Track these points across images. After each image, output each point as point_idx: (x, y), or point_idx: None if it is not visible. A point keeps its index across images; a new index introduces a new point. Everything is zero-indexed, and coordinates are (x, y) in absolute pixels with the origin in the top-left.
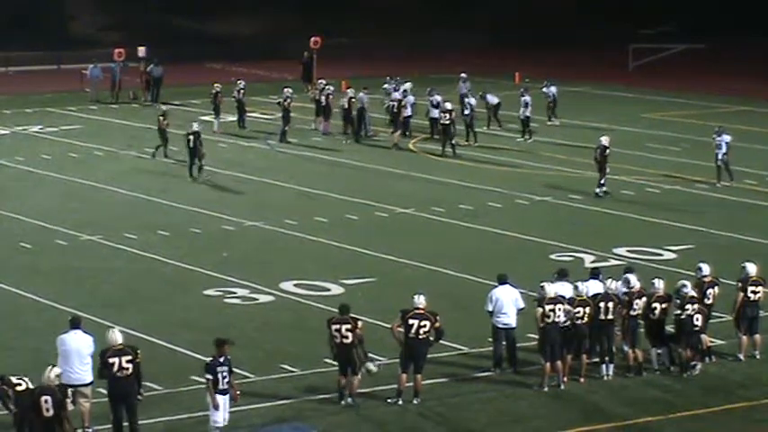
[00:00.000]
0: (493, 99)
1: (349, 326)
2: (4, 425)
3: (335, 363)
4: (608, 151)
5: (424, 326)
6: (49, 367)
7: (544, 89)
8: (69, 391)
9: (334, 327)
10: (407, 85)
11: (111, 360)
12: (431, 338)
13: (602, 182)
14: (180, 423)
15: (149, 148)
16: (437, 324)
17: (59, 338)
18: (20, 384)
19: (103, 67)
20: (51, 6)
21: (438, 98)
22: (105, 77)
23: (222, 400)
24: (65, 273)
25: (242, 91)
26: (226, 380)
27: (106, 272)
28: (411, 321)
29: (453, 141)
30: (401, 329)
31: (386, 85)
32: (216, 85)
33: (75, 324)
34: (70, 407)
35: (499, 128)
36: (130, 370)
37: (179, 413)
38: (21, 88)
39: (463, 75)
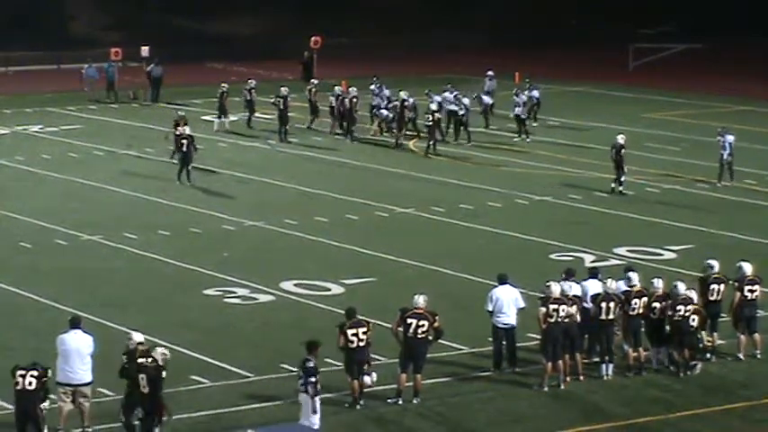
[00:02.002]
0: (487, 99)
1: (365, 329)
2: (6, 424)
3: (345, 367)
4: (624, 150)
5: (423, 325)
6: (155, 348)
7: (526, 92)
8: (164, 373)
9: (350, 332)
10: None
11: (140, 361)
12: (429, 338)
13: (622, 180)
14: (180, 423)
15: (149, 148)
16: (436, 324)
17: (59, 338)
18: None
19: (99, 67)
20: (51, 6)
21: (448, 96)
22: (102, 77)
23: (318, 404)
24: (65, 273)
25: (253, 91)
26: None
27: (106, 272)
28: (409, 320)
29: (432, 142)
30: (401, 329)
31: (372, 86)
32: (223, 84)
33: (74, 324)
34: (69, 407)
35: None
36: None
37: (179, 413)
38: (21, 88)
39: (490, 72)
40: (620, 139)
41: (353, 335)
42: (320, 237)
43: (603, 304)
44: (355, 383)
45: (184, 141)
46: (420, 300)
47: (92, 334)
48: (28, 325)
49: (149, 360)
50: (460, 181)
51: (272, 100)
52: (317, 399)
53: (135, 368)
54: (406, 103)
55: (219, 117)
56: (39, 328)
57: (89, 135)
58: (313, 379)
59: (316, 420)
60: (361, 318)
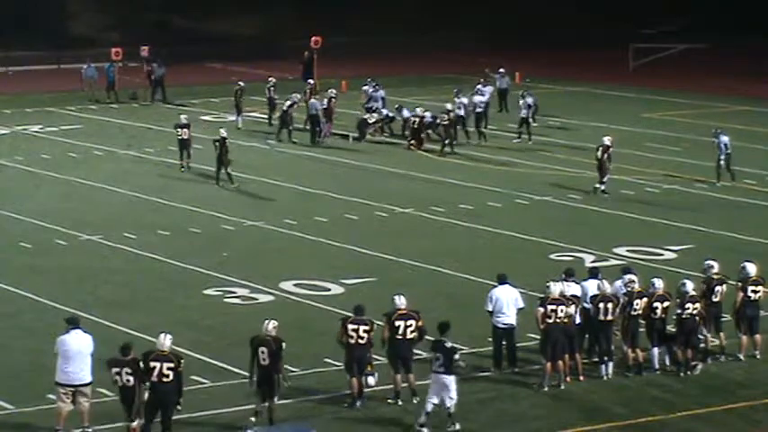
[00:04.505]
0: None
1: (367, 327)
2: (5, 424)
3: (344, 364)
4: (610, 150)
5: (410, 325)
6: (266, 321)
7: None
8: (283, 344)
9: (351, 327)
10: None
11: (152, 364)
12: (415, 338)
13: (604, 180)
14: (180, 423)
15: (149, 147)
16: (420, 323)
17: (59, 339)
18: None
19: (98, 67)
20: (51, 6)
21: (464, 100)
22: (101, 77)
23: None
24: (65, 273)
25: (272, 89)
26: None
27: (106, 272)
28: (397, 323)
29: (449, 141)
30: (390, 333)
31: (365, 87)
32: (239, 82)
33: (73, 324)
34: (69, 407)
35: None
36: (171, 377)
37: (179, 413)
38: (21, 88)
39: (502, 70)
40: (607, 140)
41: (353, 330)
42: (320, 237)
43: (602, 305)
44: (354, 381)
45: (217, 144)
46: (402, 300)
47: (91, 334)
48: (28, 325)
49: (173, 363)
50: (460, 181)
51: (284, 108)
52: (453, 376)
53: (146, 370)
54: (451, 114)
55: (238, 115)
56: (39, 328)
57: (89, 135)
58: (457, 356)
59: (455, 396)
60: (366, 317)
